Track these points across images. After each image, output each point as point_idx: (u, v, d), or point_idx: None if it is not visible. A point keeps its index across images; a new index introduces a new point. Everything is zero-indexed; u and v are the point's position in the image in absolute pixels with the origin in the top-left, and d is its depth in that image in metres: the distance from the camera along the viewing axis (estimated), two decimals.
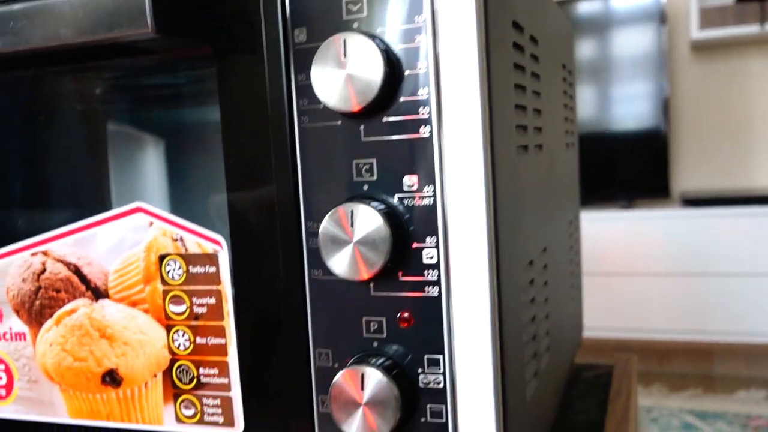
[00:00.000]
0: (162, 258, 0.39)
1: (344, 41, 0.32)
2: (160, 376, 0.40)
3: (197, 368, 0.39)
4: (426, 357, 0.34)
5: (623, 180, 2.46)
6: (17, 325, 0.44)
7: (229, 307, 0.38)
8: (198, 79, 0.43)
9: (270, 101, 0.35)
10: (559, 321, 0.54)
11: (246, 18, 0.35)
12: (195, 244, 0.39)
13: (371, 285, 0.34)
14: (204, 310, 0.39)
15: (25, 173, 0.46)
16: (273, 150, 0.36)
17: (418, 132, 0.33)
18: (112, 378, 0.41)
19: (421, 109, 0.33)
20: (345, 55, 0.32)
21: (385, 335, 0.34)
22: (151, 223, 0.40)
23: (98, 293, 0.41)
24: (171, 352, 0.40)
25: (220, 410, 0.39)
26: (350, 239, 0.33)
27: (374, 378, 0.33)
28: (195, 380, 0.40)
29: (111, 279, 0.41)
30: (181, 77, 0.44)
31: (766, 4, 2.19)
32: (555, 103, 0.55)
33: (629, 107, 2.45)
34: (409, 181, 0.33)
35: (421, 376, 0.34)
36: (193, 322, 0.39)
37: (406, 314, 0.34)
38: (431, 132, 0.33)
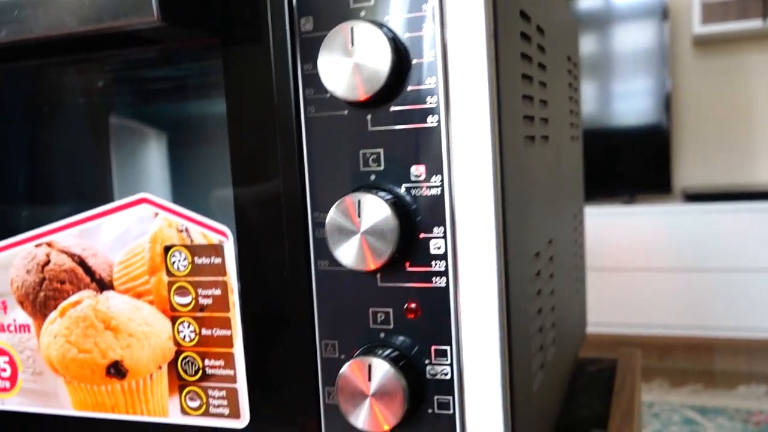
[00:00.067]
0: (167, 249, 0.39)
1: (351, 29, 0.32)
2: (165, 367, 0.40)
3: (203, 360, 0.39)
4: (433, 348, 0.34)
5: (625, 175, 2.46)
6: (21, 316, 0.44)
7: (234, 299, 0.38)
8: (202, 71, 0.43)
9: (276, 91, 0.35)
10: (565, 314, 0.54)
11: (252, 7, 0.35)
12: (200, 235, 0.38)
13: (378, 276, 0.34)
14: (209, 301, 0.39)
15: (28, 165, 0.45)
16: (279, 140, 0.35)
17: (425, 121, 0.33)
18: (117, 370, 0.41)
19: (428, 98, 0.32)
20: (352, 44, 0.32)
21: (392, 326, 0.34)
22: (157, 214, 0.39)
23: (103, 285, 0.41)
24: (176, 343, 0.40)
25: (225, 402, 0.39)
26: (357, 229, 0.32)
27: (381, 369, 0.33)
28: (200, 372, 0.39)
29: (116, 270, 0.41)
30: (186, 69, 0.44)
31: None
32: (561, 94, 0.55)
33: (631, 103, 2.45)
34: (417, 170, 0.33)
35: (428, 367, 0.34)
36: (199, 314, 0.39)
37: (413, 305, 0.34)
38: (439, 121, 0.32)
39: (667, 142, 2.41)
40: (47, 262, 0.43)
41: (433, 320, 0.34)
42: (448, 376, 0.34)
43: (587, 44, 2.44)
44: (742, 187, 2.29)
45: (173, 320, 0.40)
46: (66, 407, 0.43)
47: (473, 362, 0.33)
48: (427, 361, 0.34)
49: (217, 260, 0.38)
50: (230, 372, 0.39)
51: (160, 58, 0.43)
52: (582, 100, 2.34)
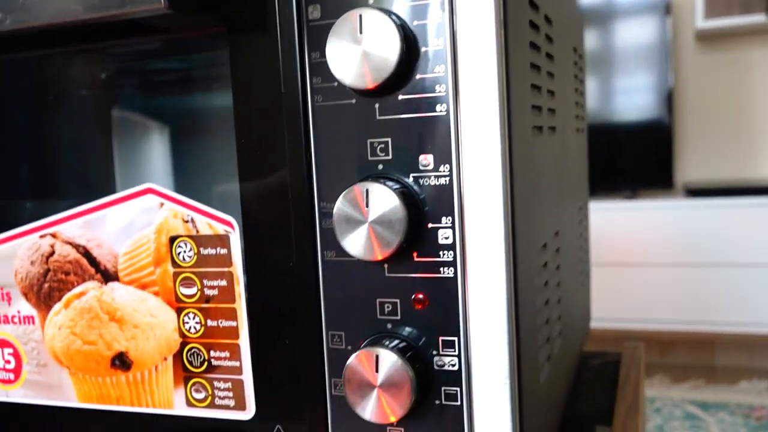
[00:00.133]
0: (173, 240, 0.39)
1: (360, 17, 0.31)
2: (170, 359, 0.40)
3: (208, 351, 0.39)
4: (441, 339, 0.33)
5: (627, 170, 2.46)
6: (26, 308, 0.44)
7: (240, 290, 0.38)
8: (208, 62, 0.42)
9: (283, 80, 0.35)
10: (570, 307, 0.54)
11: None
12: (206, 226, 0.38)
13: (385, 266, 0.34)
14: (215, 292, 0.38)
15: (33, 156, 0.45)
16: (286, 129, 0.35)
17: (434, 110, 0.32)
18: (121, 361, 0.41)
19: (437, 86, 0.32)
20: (361, 32, 0.31)
21: (399, 317, 0.34)
22: (162, 204, 0.39)
23: (108, 276, 0.41)
24: (182, 335, 0.40)
25: (231, 393, 0.39)
26: (365, 219, 0.32)
27: (389, 360, 0.32)
28: (206, 363, 0.39)
29: (121, 261, 0.41)
30: (191, 60, 0.43)
31: None
32: (567, 86, 0.54)
33: (634, 98, 2.44)
34: (425, 160, 0.33)
35: (435, 358, 0.34)
36: (204, 305, 0.39)
37: (420, 295, 0.33)
38: (447, 110, 0.32)
39: (669, 137, 2.40)
40: (52, 253, 0.42)
41: (440, 311, 0.33)
42: (456, 367, 0.33)
43: (590, 39, 2.44)
44: (745, 182, 2.29)
45: (179, 311, 0.39)
46: (70, 399, 0.43)
47: (481, 353, 0.33)
48: (434, 352, 0.33)
49: (223, 251, 0.38)
50: (236, 363, 0.38)
51: (166, 49, 0.42)
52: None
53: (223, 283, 0.38)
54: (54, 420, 0.44)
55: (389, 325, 0.34)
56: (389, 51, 0.31)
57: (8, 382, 0.45)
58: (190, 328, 0.39)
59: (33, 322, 0.43)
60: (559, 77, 0.49)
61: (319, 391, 0.36)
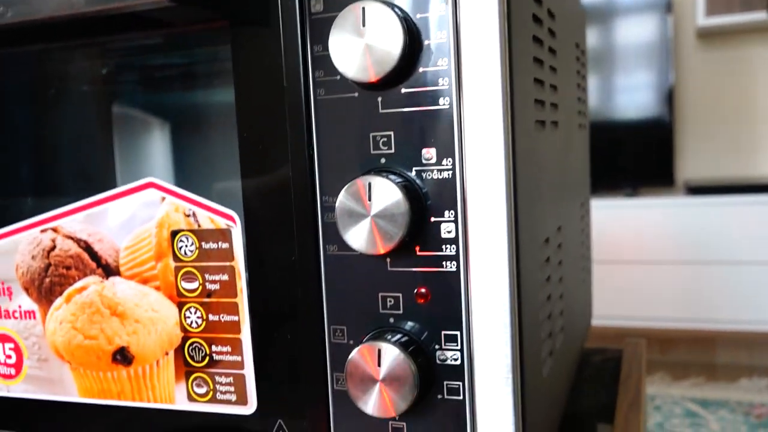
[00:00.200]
0: (174, 234, 0.39)
1: (363, 9, 0.31)
2: (171, 354, 0.40)
3: (210, 346, 0.39)
4: (443, 333, 0.33)
5: (628, 168, 2.46)
6: (27, 303, 0.43)
7: (242, 284, 0.38)
8: (209, 57, 0.42)
9: (285, 73, 0.35)
10: (572, 302, 0.54)
11: None
12: (208, 220, 0.38)
13: (388, 260, 0.34)
14: (217, 286, 0.38)
15: (33, 151, 0.45)
16: (288, 123, 0.35)
17: (437, 103, 0.32)
18: (123, 356, 0.41)
19: (440, 80, 0.32)
20: (364, 24, 0.31)
21: (401, 311, 0.34)
22: (163, 199, 0.39)
23: (109, 270, 0.41)
24: (183, 329, 0.39)
25: (232, 388, 0.39)
26: (368, 213, 0.32)
27: (391, 354, 0.32)
28: (207, 358, 0.39)
29: (122, 256, 0.40)
30: (193, 55, 0.43)
31: None
32: (569, 81, 0.54)
33: (634, 95, 2.44)
34: (427, 153, 0.33)
35: (438, 353, 0.33)
36: (206, 299, 0.39)
37: (423, 290, 0.33)
38: (450, 103, 0.32)
39: (670, 135, 2.40)
40: (53, 248, 0.42)
41: (443, 305, 0.33)
42: (458, 362, 0.33)
43: (591, 37, 2.43)
44: (745, 180, 2.29)
45: (180, 306, 0.39)
46: (71, 394, 0.43)
47: (483, 347, 0.33)
48: (437, 347, 0.33)
49: (225, 245, 0.38)
50: (237, 358, 0.38)
51: (167, 44, 0.42)
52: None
53: (225, 277, 0.38)
54: (55, 415, 0.44)
55: (391, 320, 0.34)
56: (392, 44, 0.31)
57: (9, 377, 0.45)
58: (191, 322, 0.39)
59: (34, 317, 0.43)
60: (562, 72, 0.49)
61: (321, 386, 0.36)
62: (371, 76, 0.32)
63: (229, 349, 0.38)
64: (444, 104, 0.32)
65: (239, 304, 0.38)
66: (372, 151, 0.34)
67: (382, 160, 0.33)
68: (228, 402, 0.39)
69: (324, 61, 0.34)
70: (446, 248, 0.33)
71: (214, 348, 0.39)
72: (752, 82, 2.41)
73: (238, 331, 0.38)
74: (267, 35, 0.35)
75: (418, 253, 0.33)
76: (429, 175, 0.33)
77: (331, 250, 0.35)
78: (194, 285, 0.39)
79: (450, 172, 0.32)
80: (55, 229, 0.42)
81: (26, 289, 0.43)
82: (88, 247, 0.41)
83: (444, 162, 0.32)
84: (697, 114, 2.48)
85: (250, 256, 0.37)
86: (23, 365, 0.44)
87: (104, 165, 0.43)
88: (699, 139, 2.48)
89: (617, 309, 2.19)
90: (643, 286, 2.18)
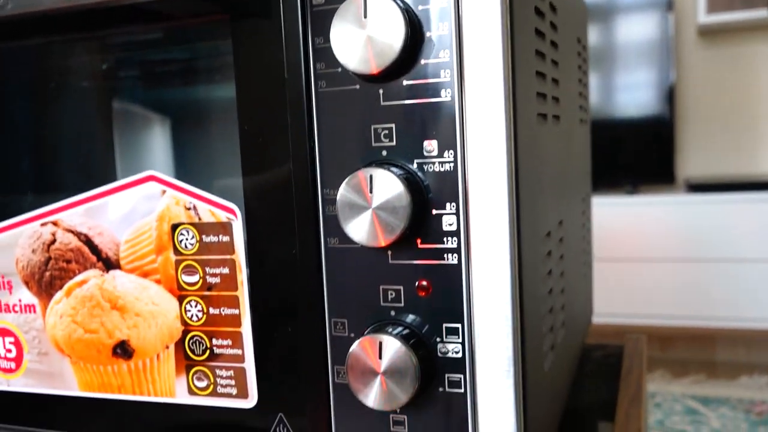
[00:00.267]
0: (174, 227, 0.39)
1: (365, 1, 0.31)
2: (172, 347, 0.40)
3: (210, 339, 0.39)
4: (444, 326, 0.33)
5: (628, 165, 2.45)
6: (27, 296, 0.43)
7: (243, 277, 0.38)
8: (210, 51, 0.42)
9: (287, 65, 0.34)
10: (573, 297, 0.54)
11: None
12: (208, 213, 0.38)
13: (389, 253, 0.34)
14: (217, 280, 0.38)
15: (33, 145, 0.45)
16: (289, 115, 0.35)
17: (438, 96, 0.32)
18: (123, 350, 0.41)
19: (442, 72, 0.32)
20: (365, 16, 0.31)
21: (402, 304, 0.34)
22: (164, 192, 0.39)
23: (109, 264, 0.41)
24: (183, 323, 0.39)
25: (233, 382, 0.39)
26: (369, 205, 0.32)
27: (392, 346, 0.32)
28: (208, 351, 0.39)
29: (122, 249, 0.40)
30: (193, 50, 0.43)
31: None
32: (571, 75, 0.54)
33: (635, 93, 2.44)
34: (429, 146, 0.32)
35: (439, 345, 0.33)
36: (206, 293, 0.39)
37: (424, 282, 0.33)
38: (452, 96, 0.32)
39: (670, 132, 2.40)
40: (53, 241, 0.42)
41: (444, 298, 0.33)
42: (460, 354, 0.33)
43: (592, 35, 2.43)
44: (746, 178, 2.29)
45: (180, 299, 0.39)
46: (72, 388, 0.43)
47: (485, 340, 0.33)
48: (438, 339, 0.33)
49: (225, 238, 0.38)
50: (238, 351, 0.38)
51: (167, 38, 0.42)
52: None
53: (226, 270, 0.38)
54: (55, 409, 0.43)
55: (392, 312, 0.34)
56: (394, 36, 0.31)
57: (9, 371, 0.45)
58: (192, 316, 0.39)
59: (34, 311, 0.43)
60: (563, 66, 0.49)
61: (322, 379, 0.36)
62: (373, 68, 0.32)
63: (229, 342, 0.38)
64: (445, 96, 0.32)
65: (240, 297, 0.38)
66: (373, 144, 0.33)
67: (384, 153, 0.33)
68: (228, 396, 0.39)
69: (325, 54, 0.34)
70: (447, 241, 0.33)
71: (214, 341, 0.39)
72: (753, 80, 2.41)
73: (239, 325, 0.38)
74: (268, 28, 0.35)
75: (419, 246, 0.33)
76: (430, 167, 0.33)
77: (332, 242, 0.35)
78: (195, 278, 0.39)
79: (451, 165, 0.32)
80: (55, 223, 0.42)
81: (26, 283, 0.43)
82: (88, 241, 0.41)
83: (445, 154, 0.32)
84: (698, 111, 2.48)
85: (251, 250, 0.37)
86: (23, 359, 0.44)
87: (105, 159, 0.43)
88: (700, 136, 2.48)
89: (617, 307, 2.19)
90: (643, 283, 2.18)
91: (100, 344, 0.41)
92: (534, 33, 0.38)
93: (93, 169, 0.43)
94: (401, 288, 0.34)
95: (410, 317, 0.34)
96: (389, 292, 0.34)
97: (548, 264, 0.41)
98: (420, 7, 0.32)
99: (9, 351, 0.44)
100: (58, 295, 0.42)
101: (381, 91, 0.33)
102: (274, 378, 0.37)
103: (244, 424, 0.38)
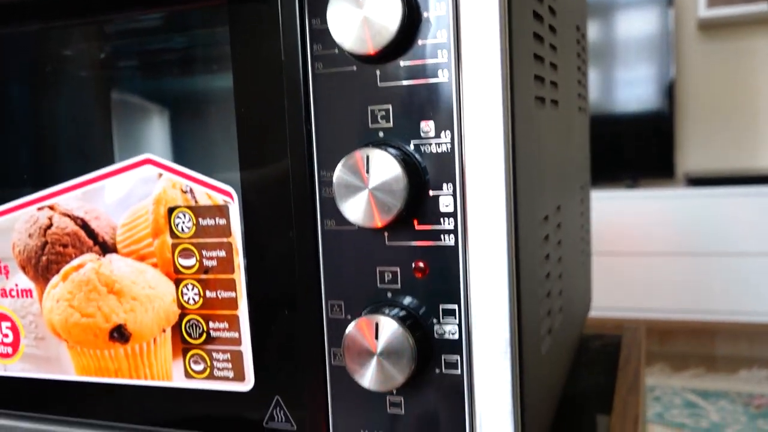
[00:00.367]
0: (171, 210, 0.39)
1: None
2: (169, 331, 0.40)
3: (207, 322, 0.39)
4: (441, 307, 0.33)
5: (628, 160, 2.45)
6: (23, 281, 0.43)
7: (239, 260, 0.38)
8: (208, 37, 0.42)
9: (283, 47, 0.34)
10: (571, 284, 0.54)
11: None
12: (205, 196, 0.38)
13: (385, 234, 0.34)
14: (214, 263, 0.38)
15: (30, 129, 0.45)
16: (286, 98, 0.35)
17: (435, 76, 0.32)
18: (120, 334, 0.41)
19: (439, 52, 0.32)
20: None
21: (399, 286, 0.34)
22: (160, 175, 0.39)
23: (106, 248, 0.41)
24: (180, 306, 0.39)
25: (230, 365, 0.39)
26: (366, 185, 0.32)
27: (389, 327, 0.32)
28: (204, 335, 0.39)
29: (119, 233, 0.40)
30: (191, 36, 0.43)
31: None
32: (570, 62, 0.54)
33: (636, 88, 2.44)
34: (426, 127, 0.32)
35: (435, 327, 0.33)
36: (203, 276, 0.39)
37: (421, 264, 0.33)
38: (449, 76, 0.32)
39: (670, 127, 2.40)
40: (49, 226, 0.42)
41: (441, 279, 0.33)
42: (456, 336, 0.33)
43: (592, 30, 2.43)
44: (745, 172, 2.28)
45: (177, 283, 0.39)
46: (69, 372, 0.43)
47: (482, 322, 0.33)
48: (434, 321, 0.33)
49: (222, 221, 0.38)
50: (235, 335, 0.38)
51: (166, 24, 0.42)
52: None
53: (222, 253, 0.38)
54: (52, 394, 0.43)
55: (389, 294, 0.34)
56: (391, 16, 0.31)
57: (6, 356, 0.45)
58: (188, 299, 0.39)
59: (31, 296, 0.43)
60: (562, 52, 0.49)
61: (319, 362, 0.36)
62: (369, 48, 0.32)
63: (226, 325, 0.38)
64: (443, 77, 0.32)
65: (236, 280, 0.38)
66: (370, 125, 0.33)
67: (381, 134, 0.33)
68: (225, 379, 0.39)
69: (322, 35, 0.34)
70: (444, 222, 0.33)
71: (211, 325, 0.39)
72: (753, 74, 2.41)
73: (236, 308, 0.38)
74: (265, 9, 0.34)
75: (416, 228, 0.33)
76: (427, 148, 0.32)
77: (329, 225, 0.35)
78: (191, 262, 0.39)
79: (449, 146, 0.32)
80: (51, 207, 0.42)
81: (23, 268, 0.43)
82: (84, 225, 0.41)
83: (442, 135, 0.32)
84: (698, 106, 2.47)
85: (248, 233, 0.37)
86: (20, 344, 0.44)
87: (102, 143, 0.43)
88: (699, 130, 2.48)
89: (617, 300, 2.19)
90: (643, 277, 2.18)
91: (96, 328, 0.41)
92: (532, 16, 0.38)
93: (90, 153, 0.43)
94: (398, 269, 0.34)
95: (407, 299, 0.34)
96: (386, 274, 0.34)
97: (546, 248, 0.41)
98: None
99: (6, 336, 0.44)
100: (55, 279, 0.42)
101: (378, 73, 0.33)
102: (271, 361, 0.37)
103: (240, 407, 0.38)
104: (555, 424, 0.47)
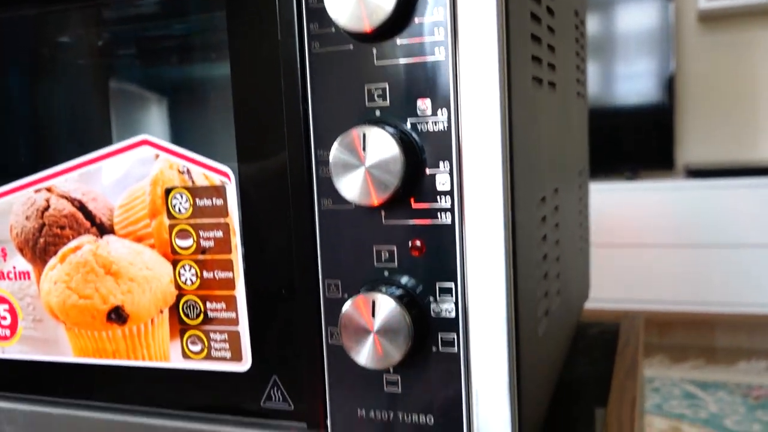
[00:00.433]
0: (168, 191, 0.39)
1: None
2: (166, 311, 0.40)
3: (204, 303, 0.39)
4: (438, 285, 0.33)
5: (628, 152, 2.45)
6: (21, 263, 0.43)
7: (236, 240, 0.38)
8: (205, 22, 0.42)
9: (280, 26, 0.34)
10: (569, 268, 0.54)
11: None
12: (202, 176, 0.38)
13: (382, 213, 0.34)
14: (211, 243, 0.38)
15: (27, 111, 0.45)
16: (283, 77, 0.35)
17: (432, 54, 0.32)
18: (117, 315, 0.41)
19: (435, 30, 0.32)
20: None
21: (396, 264, 0.34)
22: (157, 156, 0.39)
23: (103, 229, 0.41)
24: (177, 287, 0.39)
25: (227, 345, 0.39)
26: (362, 163, 0.32)
27: (386, 305, 0.32)
28: (202, 315, 0.39)
29: (116, 214, 0.40)
30: (188, 21, 0.43)
31: None
32: (567, 45, 0.54)
33: (636, 80, 2.43)
34: (423, 105, 0.32)
35: (432, 305, 0.33)
36: (200, 257, 0.39)
37: (418, 242, 0.33)
38: (446, 54, 0.32)
39: (670, 118, 2.40)
40: (47, 208, 0.42)
41: (437, 258, 0.33)
42: (453, 314, 0.33)
43: (592, 23, 2.42)
44: (745, 164, 2.28)
45: (174, 263, 0.39)
46: (66, 354, 0.43)
47: (478, 300, 0.33)
48: (431, 299, 0.33)
49: (219, 201, 0.38)
50: (232, 315, 0.38)
51: (163, 10, 0.42)
52: (588, 78, 2.32)
53: (219, 234, 0.38)
54: (50, 375, 0.43)
55: (386, 273, 0.34)
56: None
57: (4, 338, 0.45)
58: (186, 280, 0.39)
59: (28, 278, 0.43)
60: (560, 35, 0.49)
61: (316, 341, 0.36)
62: (366, 26, 0.32)
63: (223, 306, 0.38)
64: (439, 55, 0.32)
65: (233, 260, 0.38)
66: (367, 104, 0.33)
67: (377, 113, 0.33)
68: (223, 359, 0.39)
69: (319, 14, 0.33)
70: (441, 200, 0.33)
71: (208, 305, 0.39)
72: (753, 65, 2.40)
73: (233, 288, 0.38)
74: None
75: (413, 206, 0.33)
76: (424, 126, 0.32)
77: (326, 204, 0.35)
78: (188, 242, 0.39)
79: (445, 124, 0.32)
80: (49, 189, 0.42)
81: (21, 250, 0.43)
82: (82, 207, 0.41)
83: (439, 113, 0.32)
84: (698, 97, 2.47)
85: (245, 213, 0.37)
86: (18, 326, 0.44)
87: (99, 124, 0.43)
88: (699, 122, 2.48)
89: (616, 292, 2.19)
90: (642, 269, 2.18)
91: (94, 310, 0.41)
92: None
93: (87, 134, 0.43)
94: (395, 248, 0.34)
95: (404, 277, 0.34)
96: (383, 253, 0.34)
97: (543, 229, 0.41)
98: None
99: (4, 318, 0.44)
100: (52, 261, 0.42)
101: (374, 51, 0.33)
102: (268, 341, 0.37)
103: (238, 387, 0.38)
104: (552, 407, 0.47)
